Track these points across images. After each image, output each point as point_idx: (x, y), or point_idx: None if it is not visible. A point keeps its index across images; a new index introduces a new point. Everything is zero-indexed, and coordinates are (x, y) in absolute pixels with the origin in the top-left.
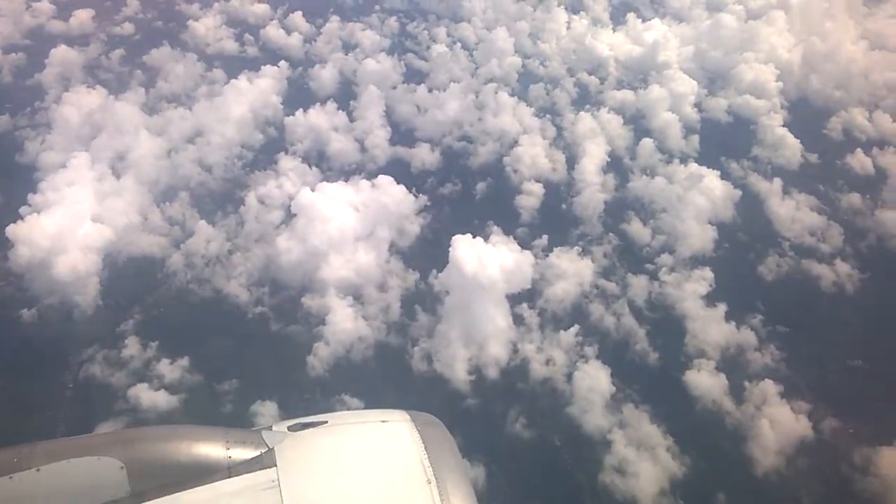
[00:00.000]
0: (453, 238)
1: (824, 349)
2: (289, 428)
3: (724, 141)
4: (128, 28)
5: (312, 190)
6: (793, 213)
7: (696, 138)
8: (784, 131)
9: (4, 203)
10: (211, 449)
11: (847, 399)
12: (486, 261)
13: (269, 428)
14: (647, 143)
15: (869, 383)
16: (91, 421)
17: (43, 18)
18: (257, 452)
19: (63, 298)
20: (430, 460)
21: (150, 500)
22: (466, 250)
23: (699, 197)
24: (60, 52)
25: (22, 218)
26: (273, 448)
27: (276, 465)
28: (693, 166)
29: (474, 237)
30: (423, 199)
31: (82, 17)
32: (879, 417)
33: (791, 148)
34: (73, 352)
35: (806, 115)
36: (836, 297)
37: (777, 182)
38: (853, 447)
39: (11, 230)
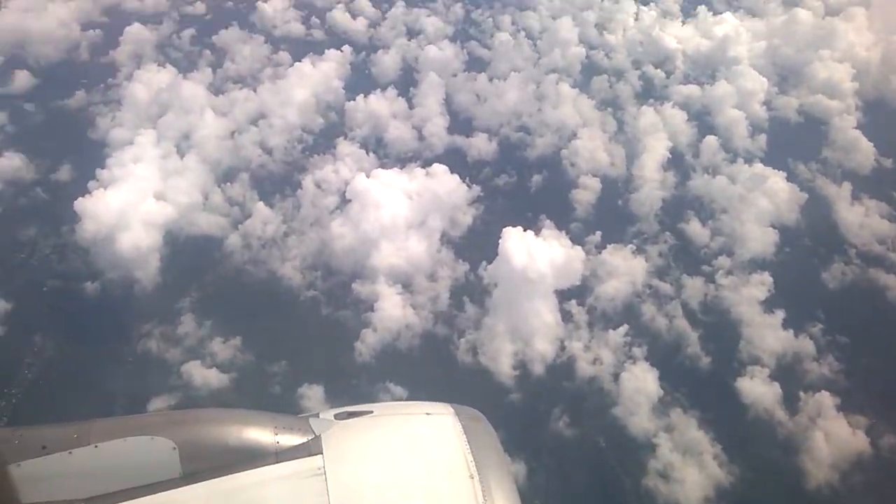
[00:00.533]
0: (504, 230)
1: (887, 363)
2: (335, 416)
3: (793, 141)
4: (199, 7)
5: (367, 176)
6: (861, 219)
7: (763, 138)
8: (857, 133)
9: (76, 177)
10: (259, 434)
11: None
12: (535, 255)
13: (317, 415)
14: (711, 140)
15: None
16: (146, 395)
17: None
18: (304, 439)
19: (125, 273)
20: (473, 455)
21: (199, 481)
22: (516, 243)
23: (762, 199)
24: (134, 30)
25: (90, 193)
26: (320, 435)
27: (322, 453)
28: (758, 166)
29: (525, 230)
30: (477, 189)
31: None
32: None
33: (864, 151)
34: (132, 326)
35: (882, 117)
36: None
37: (846, 186)
38: None
39: (79, 204)
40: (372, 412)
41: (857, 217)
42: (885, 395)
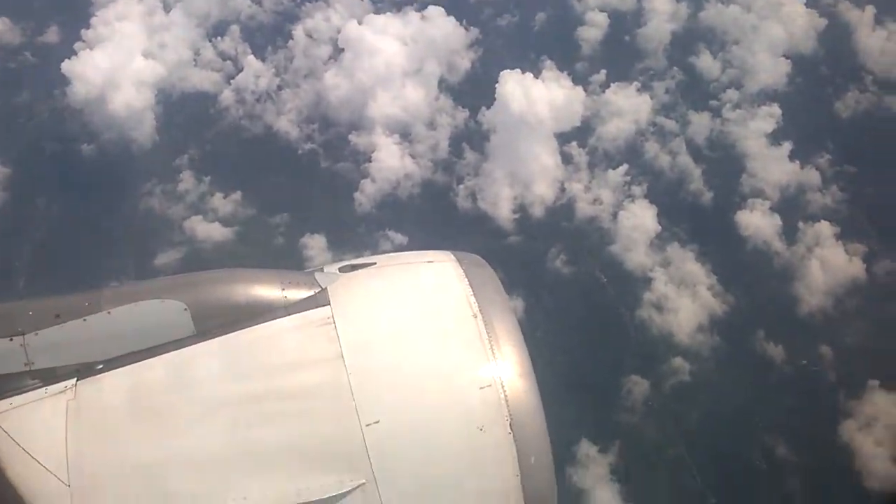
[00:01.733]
0: (500, 74)
1: (893, 190)
2: (339, 269)
3: None
4: None
5: (360, 23)
6: (883, 44)
7: None
8: None
9: (64, 39)
10: (267, 290)
11: None
12: (534, 98)
13: (321, 269)
14: None
15: None
16: (152, 251)
17: None
18: (311, 292)
19: (121, 133)
20: (475, 296)
21: (214, 337)
22: (514, 87)
23: (776, 27)
24: None
25: (76, 54)
26: (326, 288)
27: (329, 304)
28: None
29: (524, 73)
30: (475, 31)
31: None
32: None
33: None
34: (133, 185)
35: None
36: None
37: (870, 10)
38: None
39: (67, 66)
40: (375, 263)
41: (879, 42)
42: (888, 222)
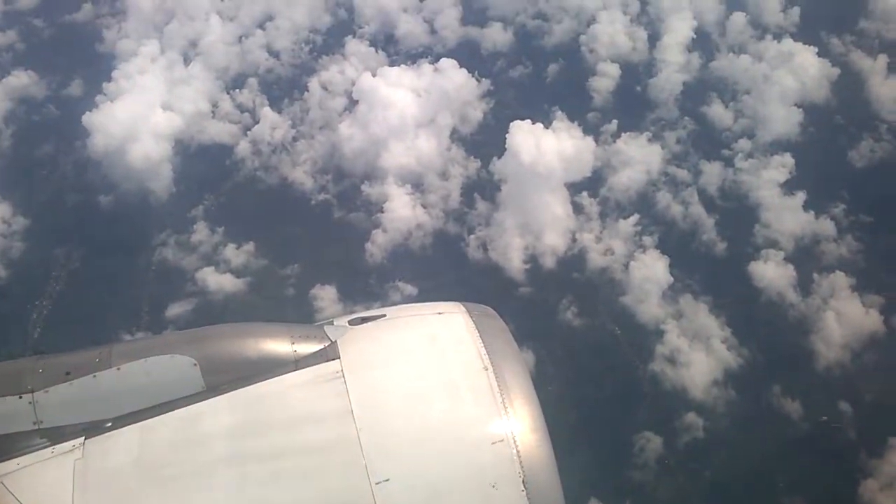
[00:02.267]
0: (511, 124)
1: None
2: (349, 322)
3: (829, 14)
4: None
5: (373, 75)
6: None
7: (796, 11)
8: None
9: (87, 92)
10: (277, 344)
11: None
12: (543, 148)
13: (331, 322)
14: (738, 17)
15: None
16: (164, 301)
17: None
18: (321, 346)
19: (139, 184)
20: (486, 348)
21: (223, 393)
22: (524, 137)
23: (787, 77)
24: None
25: (97, 106)
26: (335, 341)
27: (339, 357)
28: (787, 42)
29: (534, 123)
30: (486, 83)
31: None
32: None
33: None
34: (148, 236)
35: None
36: None
37: (882, 59)
38: None
39: (87, 119)
40: (385, 315)
41: (892, 90)
42: None
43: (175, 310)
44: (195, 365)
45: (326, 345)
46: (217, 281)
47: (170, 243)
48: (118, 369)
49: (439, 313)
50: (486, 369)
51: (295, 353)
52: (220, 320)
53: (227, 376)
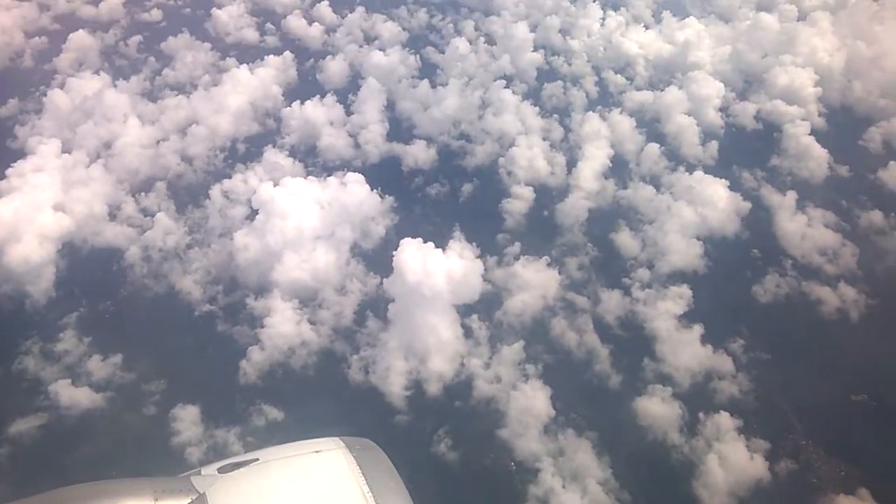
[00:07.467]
0: (401, 242)
1: (803, 380)
2: (218, 470)
3: (745, 149)
4: (155, 14)
5: (275, 184)
6: (803, 229)
7: (714, 145)
8: (811, 140)
9: None
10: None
11: (821, 436)
12: (431, 268)
13: (199, 472)
14: (652, 148)
15: (853, 419)
16: (10, 416)
17: (78, 2)
18: (187, 500)
19: (16, 287)
20: (369, 486)
21: None
22: (412, 256)
23: (686, 209)
24: (78, 38)
25: None
26: (204, 493)
27: None
28: (698, 175)
29: (426, 242)
30: (390, 200)
31: (113, 2)
32: (856, 459)
33: (816, 159)
34: (13, 342)
35: (844, 124)
36: (835, 323)
37: (791, 195)
38: (813, 493)
39: None
40: (258, 459)
41: (799, 227)
42: (796, 415)
43: (21, 425)
44: None
45: (193, 498)
46: (71, 395)
47: (33, 351)
48: None
49: (317, 451)
50: None
51: None
52: (69, 438)
53: None
